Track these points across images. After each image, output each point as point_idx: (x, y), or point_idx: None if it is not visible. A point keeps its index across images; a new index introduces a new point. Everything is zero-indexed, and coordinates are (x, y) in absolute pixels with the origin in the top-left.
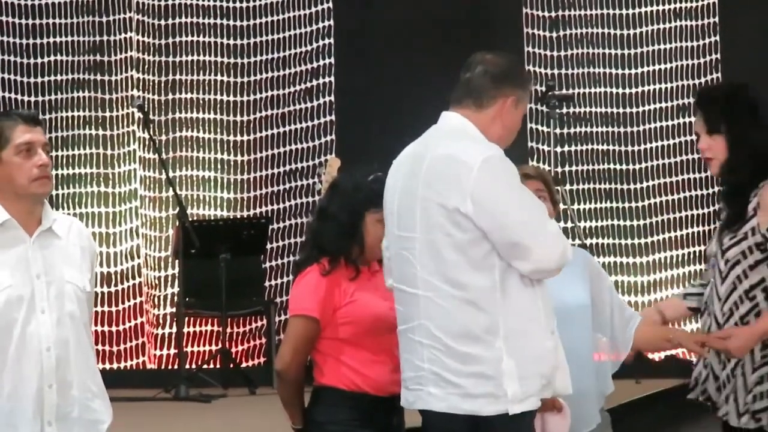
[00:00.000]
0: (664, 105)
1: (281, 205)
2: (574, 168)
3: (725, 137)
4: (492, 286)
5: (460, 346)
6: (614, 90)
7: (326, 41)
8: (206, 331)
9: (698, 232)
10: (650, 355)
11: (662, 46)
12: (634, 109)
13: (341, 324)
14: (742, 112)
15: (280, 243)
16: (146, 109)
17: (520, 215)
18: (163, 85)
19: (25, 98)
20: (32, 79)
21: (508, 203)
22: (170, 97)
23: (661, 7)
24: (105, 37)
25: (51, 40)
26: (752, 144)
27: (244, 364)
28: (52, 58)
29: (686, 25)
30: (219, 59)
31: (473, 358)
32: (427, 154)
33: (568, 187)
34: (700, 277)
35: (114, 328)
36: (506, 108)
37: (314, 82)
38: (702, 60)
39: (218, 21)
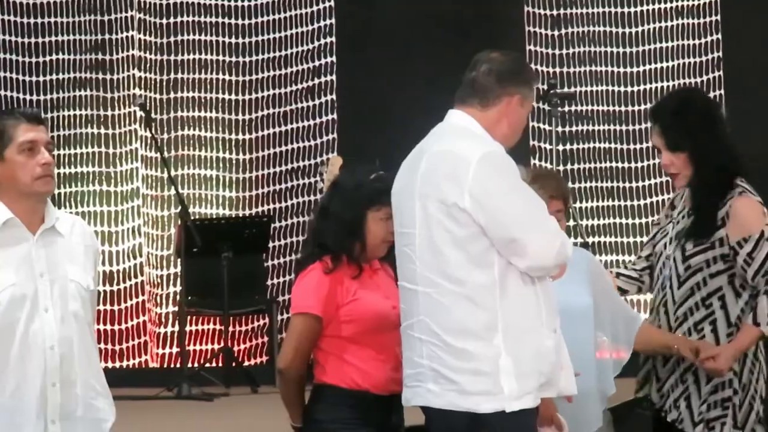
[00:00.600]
0: None
1: (283, 204)
2: (575, 166)
3: (688, 154)
4: (491, 283)
5: (458, 343)
6: (616, 88)
7: (328, 40)
8: (208, 329)
9: None
10: None
11: (664, 44)
12: (636, 108)
13: (344, 322)
14: (699, 124)
15: (282, 241)
16: (148, 108)
17: (517, 211)
18: (164, 83)
19: (27, 97)
20: (34, 78)
21: (506, 199)
22: (172, 95)
23: (662, 6)
24: (106, 36)
25: (53, 38)
26: (716, 156)
27: (246, 363)
28: (54, 56)
29: (688, 23)
30: (220, 58)
31: (471, 355)
32: (426, 151)
33: (569, 185)
34: (636, 261)
35: (116, 327)
36: (512, 107)
37: (316, 81)
38: (704, 58)
39: (219, 20)
